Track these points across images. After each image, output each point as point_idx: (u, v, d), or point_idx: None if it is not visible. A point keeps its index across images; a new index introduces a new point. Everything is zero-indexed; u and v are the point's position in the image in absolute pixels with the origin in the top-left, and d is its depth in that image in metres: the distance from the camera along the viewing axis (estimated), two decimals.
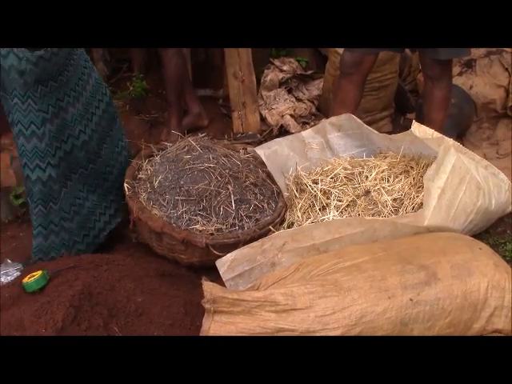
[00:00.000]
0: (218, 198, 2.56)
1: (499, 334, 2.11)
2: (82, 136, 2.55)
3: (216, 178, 2.61)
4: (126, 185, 2.60)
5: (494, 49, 3.54)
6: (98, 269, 2.26)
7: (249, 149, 2.88)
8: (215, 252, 2.42)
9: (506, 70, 3.50)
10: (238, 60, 3.41)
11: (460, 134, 3.29)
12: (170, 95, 3.32)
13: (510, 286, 2.09)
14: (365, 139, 2.92)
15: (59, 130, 2.44)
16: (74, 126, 2.51)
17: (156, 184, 2.60)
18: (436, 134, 2.55)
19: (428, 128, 2.57)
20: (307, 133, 2.98)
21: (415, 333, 2.01)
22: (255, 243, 2.36)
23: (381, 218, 2.46)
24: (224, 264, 2.34)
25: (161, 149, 2.82)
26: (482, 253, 2.20)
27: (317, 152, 2.96)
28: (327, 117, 3.20)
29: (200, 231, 2.48)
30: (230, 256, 2.34)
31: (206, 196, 2.55)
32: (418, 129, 2.53)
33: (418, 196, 2.57)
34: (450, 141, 2.55)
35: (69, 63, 2.45)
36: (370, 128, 2.86)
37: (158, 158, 2.75)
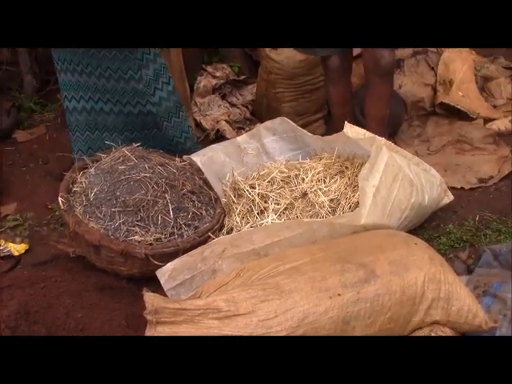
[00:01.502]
0: (156, 208, 2.54)
1: (438, 326, 2.17)
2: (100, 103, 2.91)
3: (152, 187, 2.59)
4: (60, 199, 2.54)
5: (420, 48, 3.64)
6: (35, 286, 2.21)
7: (184, 156, 2.86)
8: (155, 262, 2.39)
9: (432, 68, 3.61)
10: (170, 68, 3.39)
11: (392, 132, 3.36)
12: None
13: (445, 278, 2.15)
14: (299, 142, 2.96)
15: (79, 86, 2.88)
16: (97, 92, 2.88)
17: (92, 196, 2.56)
18: (368, 134, 2.59)
19: (360, 128, 2.61)
20: (242, 138, 2.99)
21: (357, 330, 2.03)
22: (195, 251, 2.35)
23: (319, 219, 2.49)
24: (164, 274, 2.32)
25: (95, 160, 2.78)
26: (417, 247, 2.25)
27: (253, 157, 2.98)
28: (262, 121, 3.23)
29: (139, 242, 2.46)
30: (170, 265, 2.32)
31: (144, 206, 2.53)
32: (350, 129, 2.57)
33: (354, 195, 2.61)
34: (382, 140, 2.60)
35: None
36: (303, 130, 2.89)
37: (92, 170, 2.70)
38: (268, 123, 2.98)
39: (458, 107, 3.34)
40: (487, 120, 3.39)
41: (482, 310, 2.18)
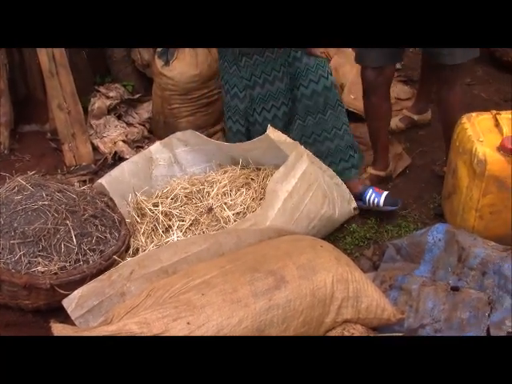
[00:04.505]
0: (58, 236, 2.47)
1: (349, 324, 2.22)
2: (283, 108, 2.86)
3: (52, 215, 2.51)
4: None
5: None
6: None
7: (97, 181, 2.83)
8: (61, 291, 2.32)
9: None
10: (61, 91, 3.30)
11: None
12: None
13: (352, 277, 2.21)
14: (211, 153, 2.96)
15: (261, 97, 2.86)
16: (278, 97, 2.83)
17: None
18: (289, 140, 2.63)
19: (282, 134, 2.63)
20: (155, 147, 2.97)
21: None
22: (102, 276, 2.28)
23: (223, 229, 2.49)
24: (71, 302, 2.24)
25: None
26: (323, 250, 2.31)
27: (163, 168, 2.95)
28: (160, 138, 3.19)
29: (42, 272, 2.38)
30: (76, 293, 2.25)
31: (44, 235, 2.45)
32: (272, 133, 2.60)
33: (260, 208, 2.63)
34: (303, 148, 2.65)
35: None
36: (217, 142, 2.93)
37: None
38: (179, 134, 2.98)
39: (351, 109, 3.44)
40: None
41: (390, 304, 2.26)
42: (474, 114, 2.68)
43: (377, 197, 2.91)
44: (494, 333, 2.21)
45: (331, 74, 2.83)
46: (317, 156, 2.84)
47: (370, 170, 3.16)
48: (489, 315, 2.26)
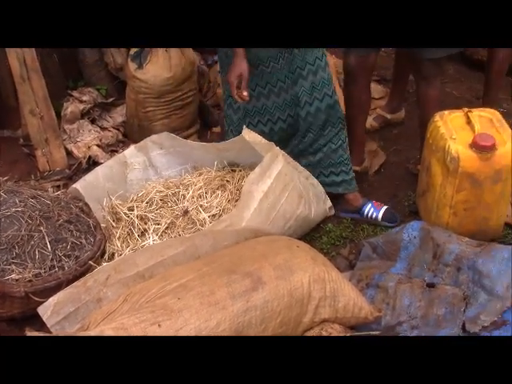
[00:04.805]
0: (32, 242, 2.44)
1: (327, 323, 2.23)
2: (280, 123, 2.80)
3: (26, 221, 2.48)
4: None
5: None
6: None
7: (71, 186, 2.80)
8: (36, 299, 2.29)
9: None
10: (33, 96, 3.26)
11: None
12: None
13: (329, 277, 2.21)
14: (186, 156, 2.94)
15: (257, 110, 2.78)
16: (273, 112, 2.77)
17: None
18: (265, 141, 2.62)
19: (257, 135, 2.63)
20: (130, 151, 2.94)
21: None
22: (78, 282, 2.26)
23: (199, 231, 2.48)
24: (47, 309, 2.22)
25: None
26: (299, 250, 2.31)
27: (138, 172, 2.93)
28: (135, 142, 3.17)
29: (17, 280, 2.34)
30: (52, 300, 2.23)
31: (18, 242, 2.42)
32: (248, 134, 2.59)
33: None
34: (278, 149, 2.65)
35: (281, 56, 2.66)
36: (192, 142, 2.91)
37: None
38: (155, 137, 2.94)
39: None
40: None
41: (367, 302, 2.27)
42: (446, 112, 2.71)
43: (375, 211, 2.92)
44: (469, 328, 2.23)
45: (335, 93, 2.80)
46: (308, 165, 2.87)
47: None
48: (464, 311, 2.29)
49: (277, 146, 2.65)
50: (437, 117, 2.69)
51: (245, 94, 2.54)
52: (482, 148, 2.50)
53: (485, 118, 2.66)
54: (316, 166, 2.90)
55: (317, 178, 2.90)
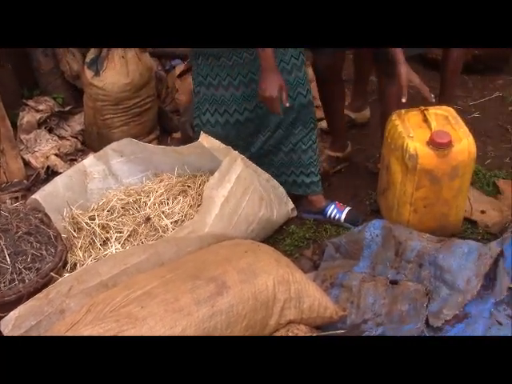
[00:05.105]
0: None
1: (293, 324, 2.23)
2: (237, 115, 2.77)
3: None
4: None
5: None
6: None
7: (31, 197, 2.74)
8: None
9: None
10: None
11: None
12: None
13: (293, 278, 2.22)
14: (147, 162, 2.92)
15: (215, 99, 2.76)
16: (231, 104, 2.75)
17: None
18: (222, 146, 2.63)
19: (215, 140, 2.63)
20: (89, 160, 2.90)
21: None
22: (39, 294, 2.22)
23: (162, 238, 2.47)
24: (8, 324, 2.17)
25: None
26: (263, 253, 2.31)
27: (98, 181, 2.90)
28: (94, 150, 3.15)
29: None
30: (13, 314, 2.18)
31: None
32: (205, 140, 2.59)
33: None
34: (236, 152, 2.65)
35: (245, 52, 2.65)
36: (155, 146, 2.89)
37: None
38: (114, 145, 2.91)
39: None
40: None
41: (332, 302, 2.29)
42: (403, 111, 2.75)
43: (338, 213, 2.95)
44: (432, 322, 2.26)
45: (310, 93, 2.80)
46: (274, 164, 2.88)
47: (328, 152, 3.24)
48: (427, 306, 2.32)
49: (238, 140, 2.68)
50: (394, 116, 2.73)
51: (288, 104, 2.55)
52: (439, 145, 2.54)
53: (441, 116, 2.70)
54: (288, 166, 2.92)
55: (285, 179, 2.93)
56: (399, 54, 2.63)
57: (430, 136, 2.57)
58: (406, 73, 2.64)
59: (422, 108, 2.74)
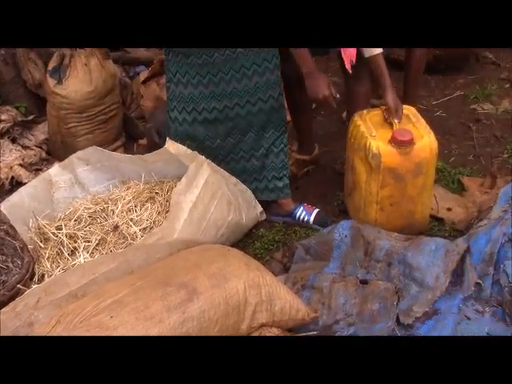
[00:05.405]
0: None
1: (265, 327, 2.23)
2: (205, 113, 2.76)
3: None
4: None
5: None
6: None
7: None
8: None
9: None
10: None
11: None
12: None
13: (263, 281, 2.22)
14: (114, 170, 2.90)
15: (183, 97, 2.76)
16: (199, 102, 2.74)
17: None
18: (189, 151, 2.62)
19: (181, 146, 2.63)
20: (54, 170, 2.87)
21: None
22: (6, 308, 2.18)
23: (131, 246, 2.45)
24: None
25: None
26: (232, 257, 2.31)
27: (64, 191, 2.87)
28: (59, 159, 3.11)
29: None
30: None
31: None
32: (171, 146, 2.58)
33: None
34: (203, 157, 2.65)
35: (216, 52, 2.64)
36: (121, 155, 2.87)
37: None
38: (80, 153, 2.88)
39: None
40: None
41: (303, 304, 2.29)
42: (364, 111, 2.78)
43: (307, 215, 2.96)
44: (403, 320, 2.28)
45: (282, 96, 2.82)
46: (247, 171, 2.88)
47: (296, 155, 3.26)
48: (397, 304, 2.34)
49: (206, 139, 2.70)
50: (356, 116, 2.76)
51: (338, 96, 2.64)
52: (401, 143, 2.57)
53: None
54: (259, 171, 2.92)
55: (256, 185, 2.94)
56: (386, 78, 2.74)
57: (391, 134, 2.60)
58: (393, 99, 2.72)
59: (383, 107, 2.77)
